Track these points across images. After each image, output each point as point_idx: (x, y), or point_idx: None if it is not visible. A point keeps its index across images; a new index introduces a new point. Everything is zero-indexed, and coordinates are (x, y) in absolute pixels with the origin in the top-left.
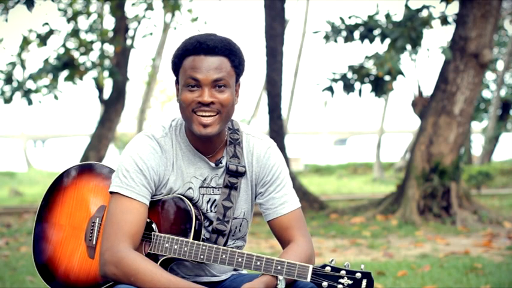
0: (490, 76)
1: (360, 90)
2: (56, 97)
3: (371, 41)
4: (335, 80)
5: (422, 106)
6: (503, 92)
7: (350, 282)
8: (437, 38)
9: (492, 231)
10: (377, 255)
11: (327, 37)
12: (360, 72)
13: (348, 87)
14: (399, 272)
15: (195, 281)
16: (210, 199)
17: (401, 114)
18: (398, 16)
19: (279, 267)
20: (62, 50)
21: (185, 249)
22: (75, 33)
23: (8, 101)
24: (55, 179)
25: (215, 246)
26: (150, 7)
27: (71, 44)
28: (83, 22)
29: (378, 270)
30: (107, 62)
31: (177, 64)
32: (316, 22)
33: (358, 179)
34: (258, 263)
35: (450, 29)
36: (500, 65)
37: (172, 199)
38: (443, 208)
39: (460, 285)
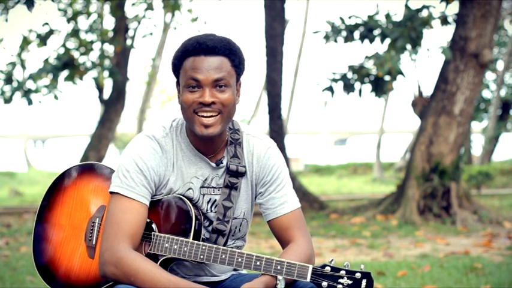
0: (490, 76)
1: (360, 90)
2: (56, 97)
3: (371, 41)
4: (335, 80)
5: (422, 106)
6: (503, 92)
7: (350, 282)
8: (437, 38)
9: (492, 231)
10: (377, 255)
11: (327, 37)
12: (360, 72)
13: (348, 87)
14: (399, 272)
15: (195, 280)
16: (210, 199)
17: (401, 114)
18: (398, 16)
19: (278, 267)
20: (62, 50)
21: (185, 249)
22: (75, 33)
23: (8, 101)
24: (55, 179)
25: (215, 246)
26: (150, 7)
27: (71, 44)
28: (83, 22)
29: (378, 270)
30: (107, 62)
31: (177, 65)
32: (316, 22)
33: (358, 179)
34: (258, 263)
35: (450, 29)
36: (500, 65)
37: (172, 199)
38: (443, 208)
39: (460, 285)
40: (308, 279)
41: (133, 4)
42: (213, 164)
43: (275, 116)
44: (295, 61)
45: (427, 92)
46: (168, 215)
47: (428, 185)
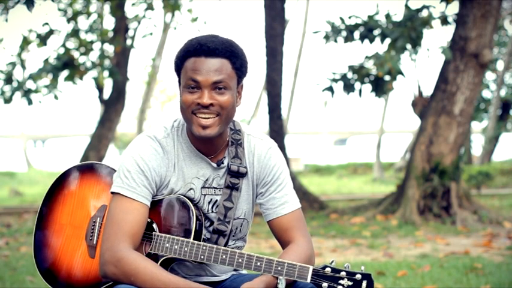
0: (490, 76)
1: (360, 90)
2: (56, 97)
3: (371, 41)
4: (335, 80)
5: (422, 106)
6: (503, 92)
7: (350, 283)
8: (437, 38)
9: (492, 231)
10: (377, 255)
11: (327, 37)
12: (360, 72)
13: (348, 87)
14: (399, 272)
15: (196, 281)
16: (211, 199)
17: (401, 114)
18: (398, 16)
19: (279, 268)
20: (62, 50)
21: (185, 249)
22: (75, 33)
23: (8, 101)
24: (56, 179)
25: (215, 246)
26: (150, 7)
27: (71, 44)
28: (83, 22)
29: (378, 270)
30: (107, 62)
31: (178, 65)
32: (316, 22)
33: (358, 179)
34: (258, 264)
35: (450, 29)
36: (500, 65)
37: (173, 199)
38: (443, 208)
39: (460, 285)
40: (308, 280)
41: (133, 4)
42: (214, 165)
43: (275, 116)
44: (295, 61)
45: (427, 92)
46: (169, 215)
47: (428, 185)
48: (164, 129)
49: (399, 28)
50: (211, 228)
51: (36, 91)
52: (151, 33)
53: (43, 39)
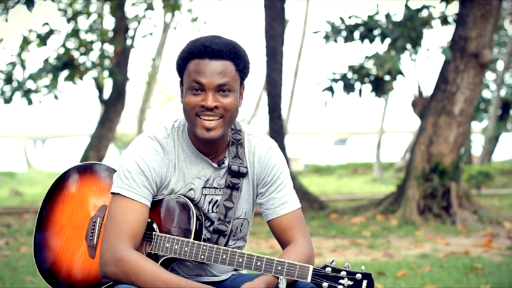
0: (490, 76)
1: (360, 90)
2: (56, 97)
3: (371, 41)
4: (335, 80)
5: (422, 106)
6: (503, 92)
7: (350, 283)
8: (437, 38)
9: (492, 231)
10: (377, 255)
11: (327, 37)
12: (360, 72)
13: (348, 87)
14: (399, 272)
15: (196, 281)
16: (211, 199)
17: (401, 114)
18: (398, 16)
19: (279, 268)
20: (62, 50)
21: (186, 249)
22: (75, 33)
23: (8, 101)
24: (56, 179)
25: (215, 246)
26: (150, 7)
27: (71, 44)
28: (83, 22)
29: (378, 270)
30: (107, 62)
31: (181, 66)
32: (316, 22)
33: (358, 179)
34: (259, 264)
35: (450, 29)
36: (500, 65)
37: (173, 199)
38: (443, 208)
39: (460, 285)
40: (308, 280)
41: (133, 4)
42: (215, 165)
43: (275, 116)
44: (295, 61)
45: (427, 92)
46: (169, 215)
47: (428, 185)
48: (164, 129)
49: (399, 28)
50: (211, 228)
51: (36, 91)
52: (151, 33)
53: (43, 39)
